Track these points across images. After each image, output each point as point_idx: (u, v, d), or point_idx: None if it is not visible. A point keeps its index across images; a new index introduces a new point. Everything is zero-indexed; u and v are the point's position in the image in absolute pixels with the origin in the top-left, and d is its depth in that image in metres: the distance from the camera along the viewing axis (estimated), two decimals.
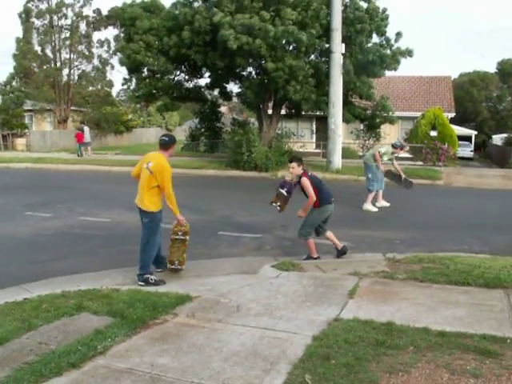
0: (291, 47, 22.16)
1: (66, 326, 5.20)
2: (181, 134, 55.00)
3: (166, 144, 7.34)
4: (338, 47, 21.40)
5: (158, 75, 25.09)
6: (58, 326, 5.20)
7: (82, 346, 4.60)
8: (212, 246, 9.66)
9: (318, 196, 8.28)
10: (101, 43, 46.25)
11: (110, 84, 49.68)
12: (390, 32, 23.57)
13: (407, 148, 13.75)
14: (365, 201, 14.08)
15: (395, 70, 24.08)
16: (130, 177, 7.59)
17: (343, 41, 21.63)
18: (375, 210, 13.93)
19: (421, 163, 26.87)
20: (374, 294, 6.35)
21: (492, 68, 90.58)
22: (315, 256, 8.55)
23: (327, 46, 22.14)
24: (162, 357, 4.49)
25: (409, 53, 23.35)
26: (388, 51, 23.16)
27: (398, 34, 23.59)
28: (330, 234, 8.68)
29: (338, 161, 22.66)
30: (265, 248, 9.50)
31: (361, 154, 33.94)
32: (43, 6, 44.06)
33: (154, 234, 7.38)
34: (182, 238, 7.79)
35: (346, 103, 24.13)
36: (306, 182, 8.27)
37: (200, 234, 10.37)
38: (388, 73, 25.23)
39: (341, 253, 8.64)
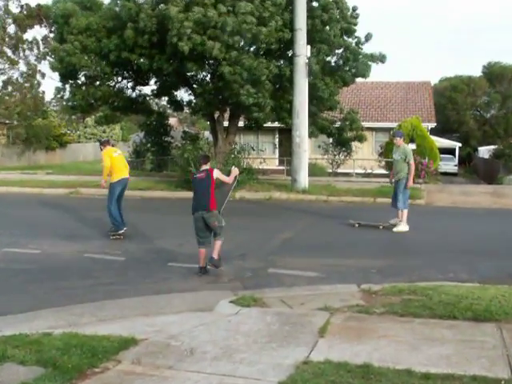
0: (250, 47, 22.20)
1: None
2: (124, 149, 54.71)
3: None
4: (303, 50, 21.28)
5: (97, 82, 24.78)
6: None
7: None
8: (161, 278, 9.55)
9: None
10: (28, 44, 45.59)
11: (42, 92, 49.12)
12: (362, 34, 23.86)
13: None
14: (401, 219, 14.12)
15: (365, 77, 24.32)
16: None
17: (308, 38, 21.68)
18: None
19: None
20: (348, 331, 6.36)
21: (475, 72, 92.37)
22: (200, 265, 9.62)
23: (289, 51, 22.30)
24: None
25: (381, 58, 23.65)
26: (360, 55, 23.45)
27: (368, 35, 23.82)
28: (203, 251, 9.66)
29: (304, 179, 22.60)
30: (222, 280, 9.44)
31: (330, 170, 34.22)
32: None
33: None
34: None
35: (311, 114, 24.15)
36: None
37: (147, 266, 10.29)
38: (359, 78, 25.51)
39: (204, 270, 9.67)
